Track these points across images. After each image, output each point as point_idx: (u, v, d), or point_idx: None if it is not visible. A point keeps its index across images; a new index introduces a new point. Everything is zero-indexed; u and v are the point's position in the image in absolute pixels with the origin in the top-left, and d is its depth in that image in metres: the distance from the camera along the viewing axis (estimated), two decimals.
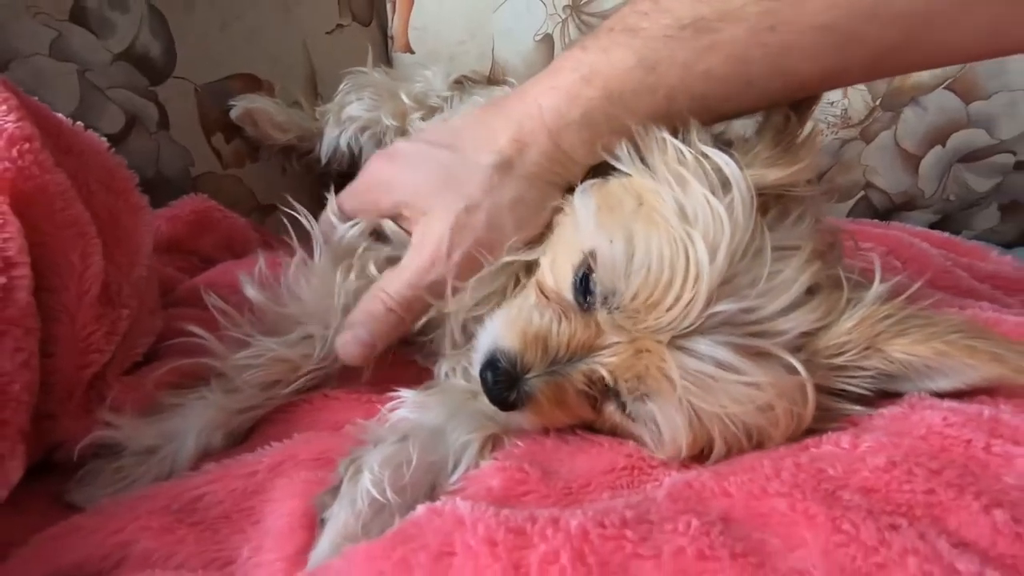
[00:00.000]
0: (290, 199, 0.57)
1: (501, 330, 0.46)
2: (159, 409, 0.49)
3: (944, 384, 0.43)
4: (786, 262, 0.42)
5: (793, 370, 0.41)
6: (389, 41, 1.20)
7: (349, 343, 0.51)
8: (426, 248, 0.51)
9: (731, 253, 0.40)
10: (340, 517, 0.39)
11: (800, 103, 0.48)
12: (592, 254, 0.44)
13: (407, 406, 0.49)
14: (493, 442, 0.47)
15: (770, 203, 0.45)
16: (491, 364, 0.44)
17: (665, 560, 0.30)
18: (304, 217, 0.57)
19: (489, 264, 0.50)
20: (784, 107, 0.47)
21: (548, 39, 1.09)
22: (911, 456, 0.36)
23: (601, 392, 0.44)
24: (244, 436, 0.52)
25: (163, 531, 0.41)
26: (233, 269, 0.69)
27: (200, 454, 0.48)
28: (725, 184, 0.43)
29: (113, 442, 0.46)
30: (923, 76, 0.94)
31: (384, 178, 0.56)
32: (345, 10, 1.10)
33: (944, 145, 0.97)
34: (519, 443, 0.47)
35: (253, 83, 0.91)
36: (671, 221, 0.41)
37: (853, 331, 0.42)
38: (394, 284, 0.52)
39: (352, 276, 0.54)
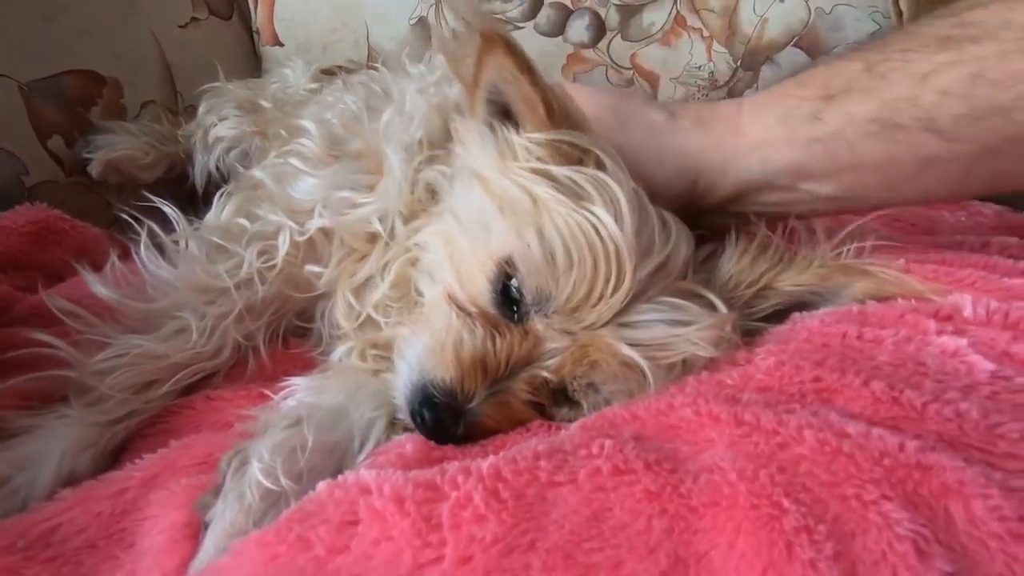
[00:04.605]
0: (147, 194, 0.53)
1: (426, 358, 0.41)
2: (6, 434, 0.42)
3: (831, 307, 0.45)
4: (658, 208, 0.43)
5: (714, 307, 0.42)
6: (255, 35, 1.13)
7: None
8: None
9: (631, 214, 0.40)
10: (226, 516, 0.35)
11: None
12: (509, 261, 0.41)
13: (301, 391, 0.45)
14: None
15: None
16: (426, 401, 0.39)
17: (582, 482, 0.29)
18: (167, 207, 0.52)
19: None
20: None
21: (423, 22, 1.07)
22: (797, 355, 0.38)
23: (547, 396, 0.41)
24: (114, 457, 0.45)
25: (7, 574, 0.34)
26: (87, 283, 0.61)
27: (62, 481, 0.41)
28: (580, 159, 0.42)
29: None
30: (774, 35, 1.02)
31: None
32: (200, 2, 1.02)
33: None
34: None
35: (94, 80, 0.82)
36: (569, 205, 0.40)
37: (737, 265, 0.44)
38: None
39: (232, 263, 0.49)
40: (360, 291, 0.49)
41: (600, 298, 0.39)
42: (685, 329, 0.40)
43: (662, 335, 0.40)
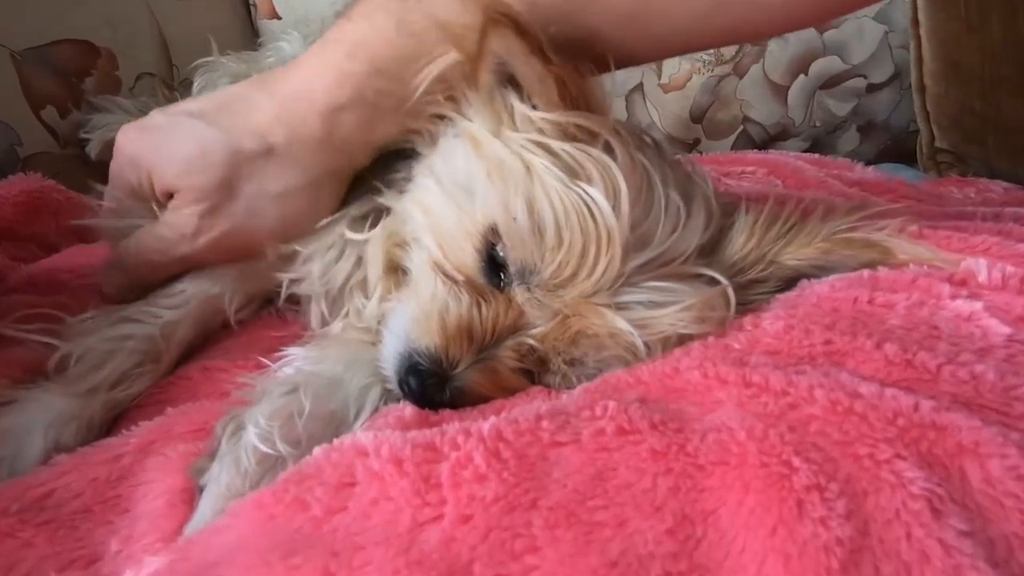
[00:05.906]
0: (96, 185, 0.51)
1: (411, 327, 0.40)
2: None
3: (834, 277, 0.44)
4: (667, 188, 0.41)
5: (714, 281, 0.41)
6: (252, 8, 1.11)
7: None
8: (175, 225, 0.46)
9: (631, 200, 0.38)
10: (221, 479, 0.34)
11: None
12: (493, 230, 0.40)
13: (299, 361, 0.44)
14: None
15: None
16: (412, 369, 0.39)
17: (585, 442, 0.29)
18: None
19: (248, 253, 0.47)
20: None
21: None
22: (806, 319, 0.37)
23: (535, 363, 0.40)
24: (105, 430, 0.45)
25: (1, 537, 0.33)
26: (81, 253, 0.60)
27: (48, 453, 0.40)
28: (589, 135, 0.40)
29: None
30: None
31: (132, 153, 0.48)
32: None
33: (807, 74, 1.04)
34: None
35: (88, 50, 0.80)
36: (565, 181, 0.38)
37: (746, 245, 0.43)
38: (141, 244, 0.48)
39: None
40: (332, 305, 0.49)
41: (585, 278, 0.38)
42: (664, 310, 0.39)
43: (639, 317, 0.38)
